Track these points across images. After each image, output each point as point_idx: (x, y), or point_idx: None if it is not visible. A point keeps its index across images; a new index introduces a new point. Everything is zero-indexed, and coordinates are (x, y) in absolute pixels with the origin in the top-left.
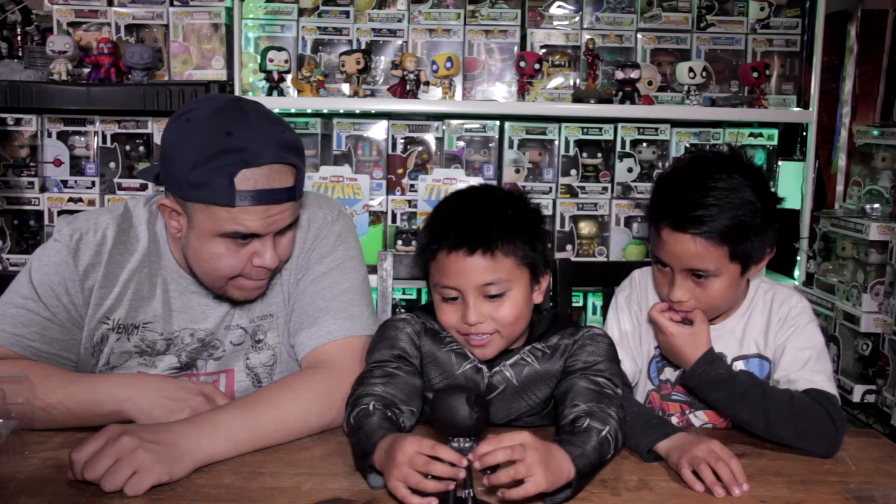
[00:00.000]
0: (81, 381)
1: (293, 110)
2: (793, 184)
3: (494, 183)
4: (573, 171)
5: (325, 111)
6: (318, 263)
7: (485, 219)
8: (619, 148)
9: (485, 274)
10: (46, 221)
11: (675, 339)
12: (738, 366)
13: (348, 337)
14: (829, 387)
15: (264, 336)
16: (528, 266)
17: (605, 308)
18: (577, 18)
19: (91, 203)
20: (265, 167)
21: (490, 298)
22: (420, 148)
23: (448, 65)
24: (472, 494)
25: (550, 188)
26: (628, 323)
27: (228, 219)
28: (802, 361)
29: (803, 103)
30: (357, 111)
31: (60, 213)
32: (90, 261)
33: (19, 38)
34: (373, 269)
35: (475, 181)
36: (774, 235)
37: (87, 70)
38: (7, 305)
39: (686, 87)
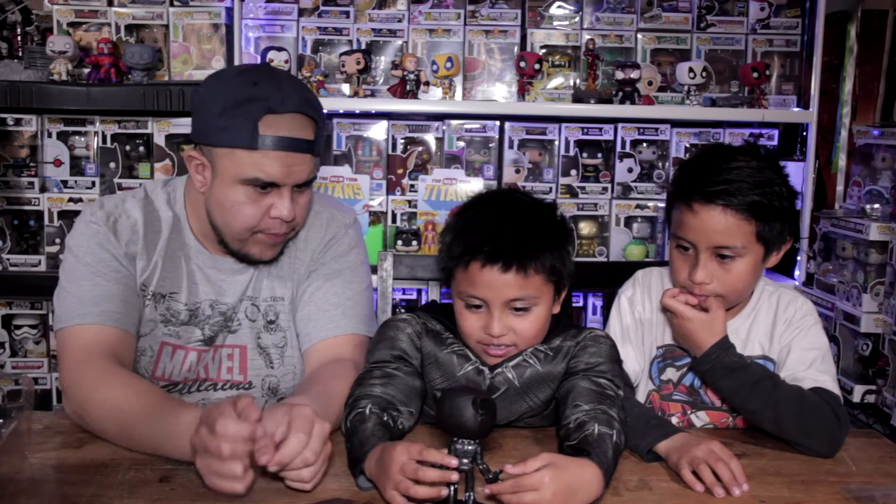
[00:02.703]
0: (158, 418)
1: None
2: (793, 184)
3: (494, 184)
4: (573, 172)
5: (324, 111)
6: (333, 261)
7: (521, 234)
8: (619, 148)
9: (515, 290)
10: (46, 221)
11: (692, 324)
12: None
13: (357, 334)
14: (835, 387)
15: (276, 318)
16: (554, 281)
17: (605, 308)
18: (577, 18)
19: (91, 203)
20: (287, 115)
21: (515, 311)
22: (420, 148)
23: (448, 65)
24: (472, 497)
25: (550, 188)
26: (631, 322)
27: (250, 163)
28: (808, 362)
29: (803, 103)
30: (357, 111)
31: (61, 213)
32: (129, 237)
33: (19, 38)
34: (373, 269)
35: (475, 181)
36: (792, 225)
37: (87, 70)
38: (78, 292)
39: (686, 87)
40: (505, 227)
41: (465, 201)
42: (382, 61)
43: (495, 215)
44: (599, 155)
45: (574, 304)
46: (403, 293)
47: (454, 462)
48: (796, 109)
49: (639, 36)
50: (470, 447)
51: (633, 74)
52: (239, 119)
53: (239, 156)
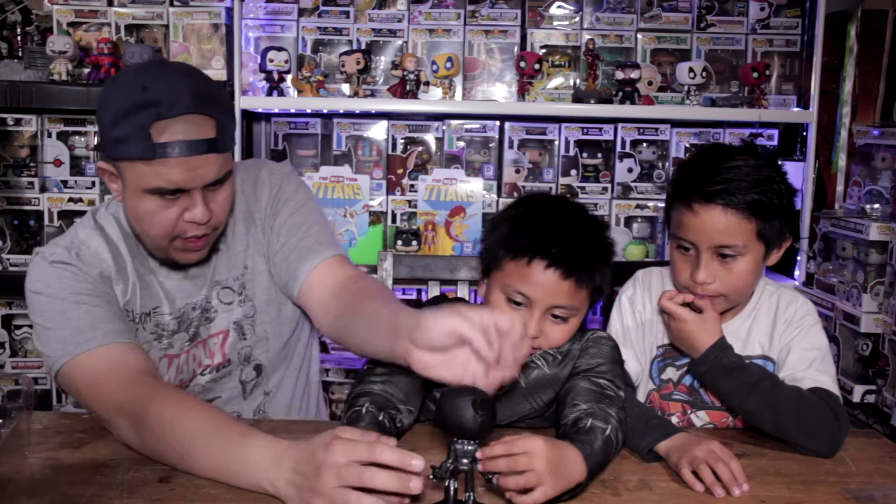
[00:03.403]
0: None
1: (293, 110)
2: (792, 182)
3: (495, 184)
4: (573, 172)
5: (325, 111)
6: (285, 207)
7: (587, 246)
8: (619, 148)
9: (564, 297)
10: (46, 221)
11: (689, 326)
12: None
13: (337, 255)
14: (834, 388)
15: (244, 289)
16: (593, 298)
17: (605, 308)
18: (577, 18)
19: (91, 203)
20: (181, 118)
21: (553, 318)
22: (420, 148)
23: (448, 65)
24: (472, 498)
25: (550, 188)
26: (631, 322)
27: (151, 173)
28: (808, 362)
29: (803, 103)
30: (357, 111)
31: (60, 213)
32: (98, 264)
33: (19, 38)
34: (372, 270)
35: (475, 181)
36: (791, 223)
37: (87, 70)
38: (67, 325)
39: (686, 87)
40: (574, 236)
41: (525, 197)
42: (382, 61)
43: (565, 221)
44: (599, 155)
45: None
46: (403, 293)
47: (416, 465)
48: (796, 109)
49: (639, 36)
50: (470, 447)
51: (633, 74)
52: (131, 129)
53: (138, 167)
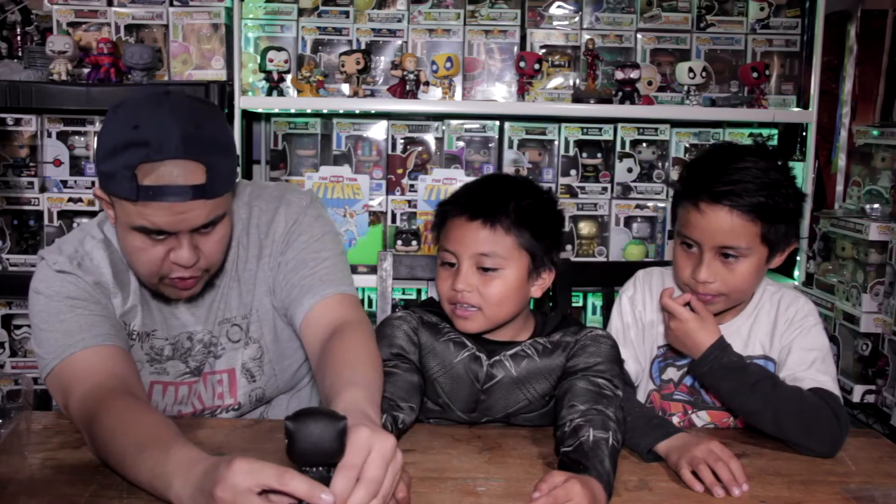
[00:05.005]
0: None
1: (293, 110)
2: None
3: None
4: (573, 172)
5: (325, 111)
6: (297, 240)
7: (498, 195)
8: (618, 148)
9: (481, 244)
10: (46, 221)
11: (689, 325)
12: None
13: (340, 293)
14: (835, 388)
15: (249, 330)
16: (528, 252)
17: (604, 308)
18: (576, 18)
19: (91, 203)
20: (168, 162)
21: (483, 271)
22: (420, 148)
23: (448, 65)
24: None
25: (550, 188)
26: (632, 322)
27: (136, 213)
28: (809, 362)
29: (803, 103)
30: (357, 111)
31: (60, 213)
32: (97, 276)
33: (19, 38)
34: (372, 270)
35: None
36: (798, 228)
37: (86, 70)
38: (60, 327)
39: (686, 87)
40: (486, 189)
41: None
42: (382, 61)
43: (485, 182)
44: (599, 155)
45: (574, 305)
46: (403, 293)
47: (326, 500)
48: (796, 109)
49: (638, 36)
50: (325, 472)
51: (633, 74)
52: (118, 167)
53: (125, 204)
